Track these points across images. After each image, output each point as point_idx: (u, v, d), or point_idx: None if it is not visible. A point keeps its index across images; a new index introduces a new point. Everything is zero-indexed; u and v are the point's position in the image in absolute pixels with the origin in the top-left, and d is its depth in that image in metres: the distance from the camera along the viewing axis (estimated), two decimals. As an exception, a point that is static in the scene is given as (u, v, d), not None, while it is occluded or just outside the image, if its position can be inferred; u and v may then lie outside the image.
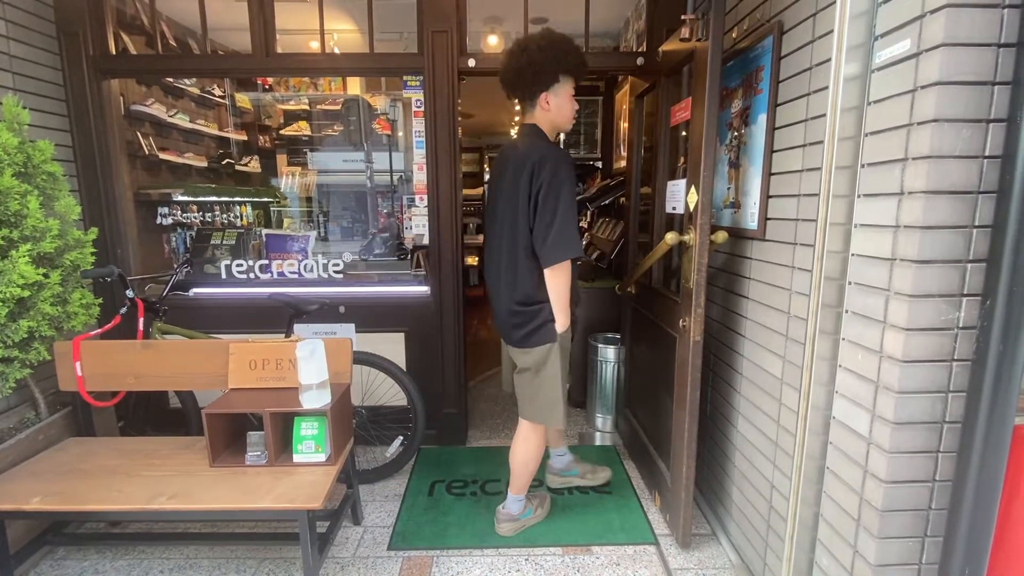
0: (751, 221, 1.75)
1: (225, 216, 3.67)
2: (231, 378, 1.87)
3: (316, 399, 1.71)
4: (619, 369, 2.86)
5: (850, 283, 1.28)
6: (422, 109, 2.50)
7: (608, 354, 2.85)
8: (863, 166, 1.23)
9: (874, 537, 1.19)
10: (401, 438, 2.41)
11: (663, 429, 2.16)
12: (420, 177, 2.56)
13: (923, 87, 1.06)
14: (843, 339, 1.31)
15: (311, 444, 1.74)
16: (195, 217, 3.38)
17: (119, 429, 2.34)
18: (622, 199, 2.83)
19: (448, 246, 2.57)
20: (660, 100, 2.29)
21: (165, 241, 3.37)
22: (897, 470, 1.16)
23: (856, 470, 1.26)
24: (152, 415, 2.57)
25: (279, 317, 2.29)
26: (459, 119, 2.51)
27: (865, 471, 1.23)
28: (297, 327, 2.56)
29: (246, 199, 3.87)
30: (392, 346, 2.63)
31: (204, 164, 3.76)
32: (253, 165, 4.30)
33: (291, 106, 4.33)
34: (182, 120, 3.48)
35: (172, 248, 3.41)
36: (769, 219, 1.67)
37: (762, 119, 1.69)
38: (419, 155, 2.54)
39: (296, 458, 1.75)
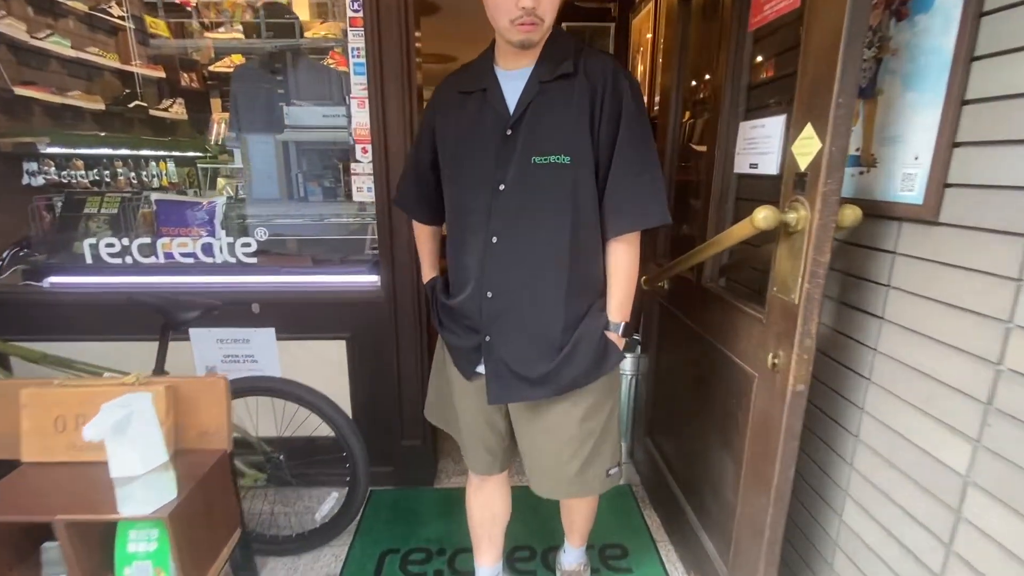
0: (905, 189, 1.01)
1: (133, 175, 2.85)
2: (25, 445, 1.14)
3: (144, 498, 0.99)
4: (637, 384, 2.17)
5: None
6: (360, 15, 1.68)
7: (624, 364, 2.15)
8: None
9: None
10: (336, 494, 1.72)
11: (707, 486, 1.48)
12: (361, 119, 1.76)
13: None
14: None
15: (145, 567, 1.03)
16: (79, 176, 2.57)
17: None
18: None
19: (405, 218, 1.81)
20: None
21: (45, 209, 2.57)
22: None
23: None
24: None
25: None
26: (418, 44, 1.71)
27: None
28: (193, 333, 1.83)
29: (161, 153, 3.04)
30: (328, 359, 1.89)
31: (101, 107, 2.91)
32: (176, 110, 3.44)
33: (221, 34, 3.43)
34: (58, 45, 2.61)
35: (55, 218, 2.61)
36: (949, 186, 0.93)
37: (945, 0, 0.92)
38: (358, 84, 1.73)
39: (124, 586, 1.04)
